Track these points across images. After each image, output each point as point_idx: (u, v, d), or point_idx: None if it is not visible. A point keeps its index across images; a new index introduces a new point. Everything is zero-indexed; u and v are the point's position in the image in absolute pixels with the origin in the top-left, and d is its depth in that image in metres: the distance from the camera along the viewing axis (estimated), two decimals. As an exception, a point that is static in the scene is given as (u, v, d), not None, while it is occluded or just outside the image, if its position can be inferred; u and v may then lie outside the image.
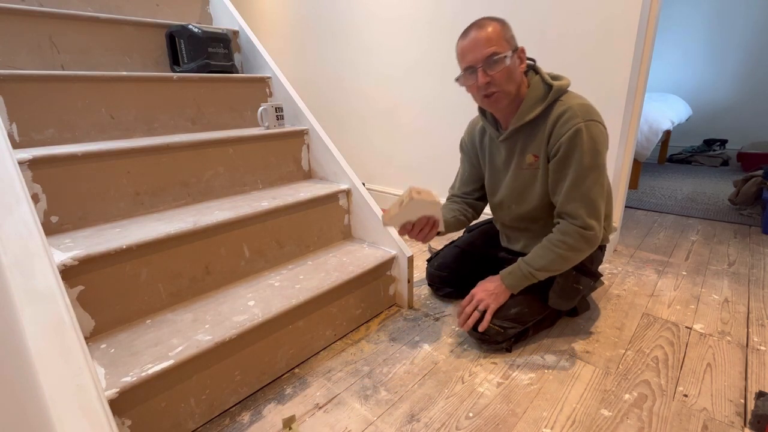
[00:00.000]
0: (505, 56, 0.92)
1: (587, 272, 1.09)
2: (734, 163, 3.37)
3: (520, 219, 1.14)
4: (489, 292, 1.05)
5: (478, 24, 0.94)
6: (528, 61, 1.01)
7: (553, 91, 0.96)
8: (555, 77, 0.99)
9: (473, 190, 1.27)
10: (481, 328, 1.03)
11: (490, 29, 0.92)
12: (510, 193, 1.12)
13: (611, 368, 1.00)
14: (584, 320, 1.21)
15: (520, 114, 1.00)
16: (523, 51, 0.96)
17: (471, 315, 1.04)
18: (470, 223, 1.29)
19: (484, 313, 1.04)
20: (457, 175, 1.32)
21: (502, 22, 0.94)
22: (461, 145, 1.27)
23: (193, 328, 0.89)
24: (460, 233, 1.42)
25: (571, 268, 1.06)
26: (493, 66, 0.92)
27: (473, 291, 1.08)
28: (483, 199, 1.28)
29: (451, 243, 1.39)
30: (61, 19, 1.25)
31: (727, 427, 0.82)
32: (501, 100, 0.98)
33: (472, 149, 1.22)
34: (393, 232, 1.28)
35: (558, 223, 1.01)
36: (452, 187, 1.32)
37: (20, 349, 0.53)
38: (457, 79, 1.00)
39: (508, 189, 1.12)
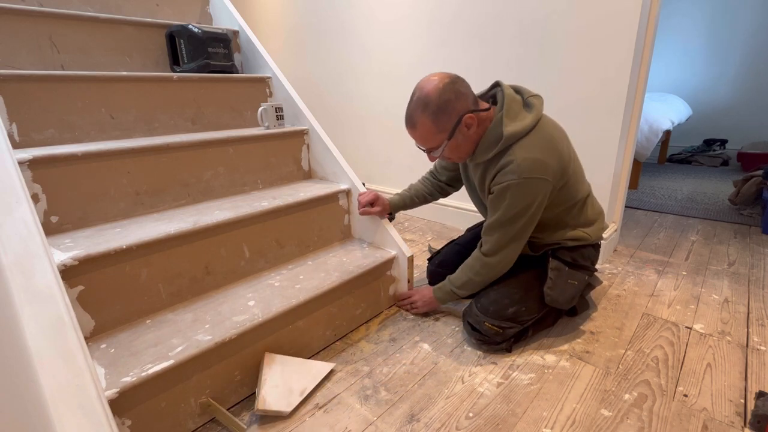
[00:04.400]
0: (443, 147, 0.99)
1: (579, 266, 1.10)
2: (734, 163, 3.37)
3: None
4: (423, 297, 1.23)
5: (409, 119, 0.98)
6: (496, 86, 1.03)
7: (503, 140, 0.96)
8: (525, 104, 1.00)
9: (448, 176, 1.32)
10: (409, 311, 1.24)
11: (419, 130, 0.97)
12: (483, 207, 1.19)
13: (611, 368, 1.00)
14: (584, 320, 1.21)
15: (476, 154, 1.03)
16: (469, 118, 0.95)
17: (402, 306, 1.28)
18: (429, 197, 1.37)
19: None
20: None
21: (432, 113, 0.94)
22: None
23: (193, 328, 0.89)
24: (461, 232, 1.42)
25: (562, 263, 1.08)
26: (438, 155, 1.02)
27: (416, 290, 1.26)
28: (453, 183, 1.34)
29: (452, 241, 1.39)
30: (61, 19, 1.25)
31: (727, 427, 0.82)
32: (460, 162, 1.12)
33: None
34: (393, 232, 1.28)
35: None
36: (434, 165, 1.38)
37: (20, 349, 0.53)
38: None
39: (480, 204, 1.19)
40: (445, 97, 0.93)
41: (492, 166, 1.01)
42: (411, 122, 0.98)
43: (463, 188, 1.29)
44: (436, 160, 1.33)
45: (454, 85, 0.94)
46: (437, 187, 1.34)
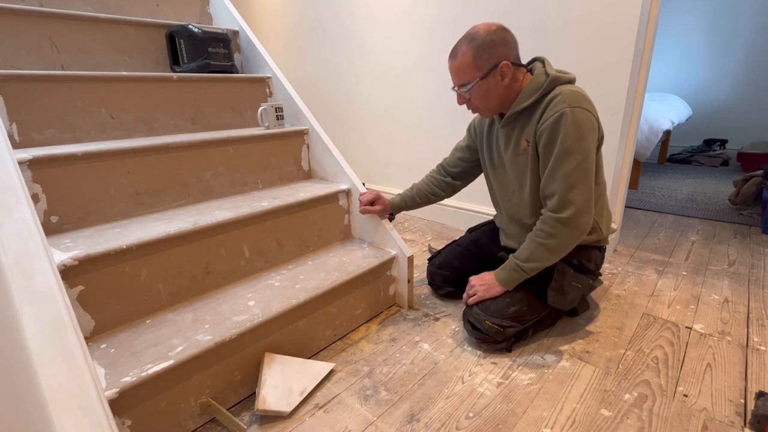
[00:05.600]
0: (473, 85, 0.98)
1: (585, 270, 1.09)
2: (734, 163, 3.37)
3: (520, 208, 1.13)
4: (483, 282, 1.11)
5: (453, 51, 1.00)
6: (536, 59, 1.05)
7: (549, 80, 0.97)
8: (560, 71, 1.01)
9: (461, 159, 1.29)
10: (470, 302, 1.11)
11: (459, 59, 0.98)
12: (512, 180, 1.13)
13: (611, 368, 1.00)
14: (584, 320, 1.21)
15: (516, 102, 1.02)
16: (506, 66, 0.97)
17: (466, 300, 1.13)
18: (435, 196, 1.34)
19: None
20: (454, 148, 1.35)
21: (475, 46, 0.96)
22: (468, 127, 1.29)
23: (193, 328, 0.89)
24: (461, 232, 1.42)
25: (568, 266, 1.06)
26: (465, 92, 1.01)
27: (471, 278, 1.15)
28: (463, 178, 1.32)
29: (453, 242, 1.39)
30: (61, 19, 1.25)
31: (727, 427, 0.82)
32: (484, 113, 1.07)
33: (478, 135, 1.24)
34: (393, 232, 1.28)
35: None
36: (445, 158, 1.36)
37: (20, 349, 0.53)
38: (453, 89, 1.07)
39: (509, 176, 1.13)
40: (492, 38, 0.95)
41: (534, 111, 1.00)
42: (454, 52, 1.00)
43: (461, 195, 1.28)
44: (452, 152, 1.32)
45: (504, 33, 0.97)
46: (443, 184, 1.33)
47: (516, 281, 1.06)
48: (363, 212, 1.29)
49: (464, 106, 1.81)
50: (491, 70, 0.97)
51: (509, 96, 1.03)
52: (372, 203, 1.27)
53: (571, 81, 1.00)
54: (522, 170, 1.08)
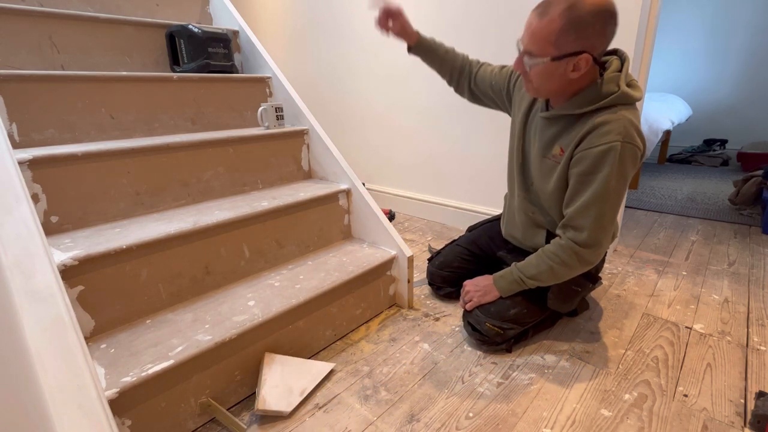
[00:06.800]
0: (538, 62, 0.84)
1: (585, 275, 1.08)
2: (734, 163, 3.37)
3: (536, 199, 1.08)
4: (478, 287, 1.10)
5: (544, 6, 0.81)
6: (616, 53, 0.91)
7: (616, 97, 0.84)
8: (630, 84, 0.88)
9: (483, 86, 1.17)
10: (468, 308, 1.09)
11: (543, 23, 0.81)
12: (534, 172, 1.06)
13: (611, 368, 1.00)
14: (584, 320, 1.21)
15: (570, 103, 0.90)
16: (586, 60, 0.82)
17: (463, 306, 1.11)
18: (451, 69, 1.19)
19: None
20: (487, 68, 1.19)
21: (570, 20, 0.78)
22: (511, 72, 1.13)
23: (193, 328, 0.89)
24: (461, 232, 1.41)
25: None
26: (528, 63, 0.86)
27: (465, 282, 1.13)
28: (477, 93, 1.20)
29: (452, 242, 1.39)
30: (61, 19, 1.25)
31: (727, 427, 0.82)
32: (531, 92, 0.93)
33: (516, 98, 1.10)
34: (393, 232, 1.28)
35: (559, 236, 0.98)
36: (482, 64, 1.20)
37: (20, 349, 0.53)
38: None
39: (533, 168, 1.06)
40: (592, 20, 0.78)
41: (580, 121, 0.89)
42: (545, 10, 0.81)
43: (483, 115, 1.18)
44: (484, 67, 1.17)
45: (609, 19, 0.80)
46: (468, 73, 1.18)
47: (514, 291, 1.06)
48: (379, 25, 1.07)
49: (464, 104, 1.83)
50: (568, 56, 0.81)
51: (568, 90, 0.89)
52: (391, 16, 1.06)
53: (636, 101, 0.87)
54: (546, 173, 1.01)
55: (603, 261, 1.16)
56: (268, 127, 1.41)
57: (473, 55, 1.21)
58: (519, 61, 0.89)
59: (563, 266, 0.96)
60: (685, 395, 0.90)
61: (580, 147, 0.89)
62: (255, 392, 0.93)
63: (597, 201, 0.88)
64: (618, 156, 0.84)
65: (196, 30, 1.42)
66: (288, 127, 1.44)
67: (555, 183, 0.98)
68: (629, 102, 0.87)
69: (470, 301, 1.09)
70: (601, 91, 0.86)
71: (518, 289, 1.05)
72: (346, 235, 1.41)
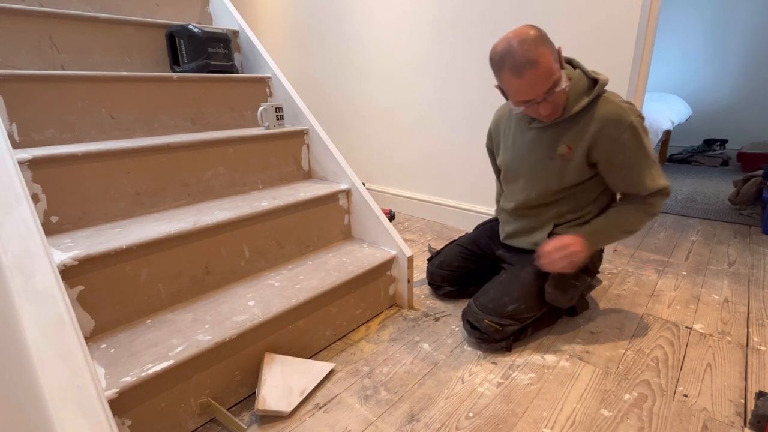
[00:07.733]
0: (560, 88, 0.91)
1: (583, 268, 1.10)
2: (734, 163, 3.37)
3: (535, 202, 1.13)
4: (565, 251, 1.01)
5: (525, 62, 0.88)
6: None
7: (597, 86, 0.96)
8: (595, 72, 1.00)
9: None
10: (563, 271, 1.04)
11: (542, 63, 0.87)
12: (531, 179, 1.10)
13: (611, 368, 1.00)
14: (584, 320, 1.21)
15: (569, 104, 0.99)
16: (559, 52, 0.93)
17: (556, 260, 1.01)
18: None
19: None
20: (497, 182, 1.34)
21: (545, 42, 0.89)
22: (487, 145, 1.30)
23: (193, 328, 0.89)
24: (461, 232, 1.41)
25: None
26: (554, 93, 0.92)
27: (561, 237, 1.03)
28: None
29: (452, 242, 1.39)
30: (61, 19, 1.25)
31: (727, 427, 0.82)
32: (552, 117, 0.99)
33: (495, 137, 1.24)
34: (393, 232, 1.28)
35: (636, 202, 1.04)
36: (497, 194, 1.36)
37: (20, 349, 0.53)
38: (503, 93, 1.02)
39: (530, 175, 1.11)
40: (542, 32, 0.90)
41: (583, 118, 0.99)
42: (529, 61, 0.87)
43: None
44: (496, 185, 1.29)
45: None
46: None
47: (598, 247, 1.06)
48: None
49: (465, 104, 1.83)
50: (561, 68, 0.93)
51: (565, 97, 0.98)
52: None
53: (607, 83, 0.98)
54: (553, 173, 1.05)
55: (601, 256, 1.17)
56: (268, 127, 1.41)
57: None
58: (547, 106, 0.94)
59: (650, 216, 1.03)
60: (685, 395, 0.90)
61: (602, 144, 0.98)
62: (255, 392, 0.94)
63: (646, 166, 1.00)
64: (639, 128, 0.97)
65: (196, 30, 1.42)
66: (288, 127, 1.44)
67: (573, 176, 1.04)
68: (605, 85, 0.98)
69: (573, 260, 1.01)
70: (582, 86, 0.98)
71: (603, 243, 1.06)
72: (346, 235, 1.41)
